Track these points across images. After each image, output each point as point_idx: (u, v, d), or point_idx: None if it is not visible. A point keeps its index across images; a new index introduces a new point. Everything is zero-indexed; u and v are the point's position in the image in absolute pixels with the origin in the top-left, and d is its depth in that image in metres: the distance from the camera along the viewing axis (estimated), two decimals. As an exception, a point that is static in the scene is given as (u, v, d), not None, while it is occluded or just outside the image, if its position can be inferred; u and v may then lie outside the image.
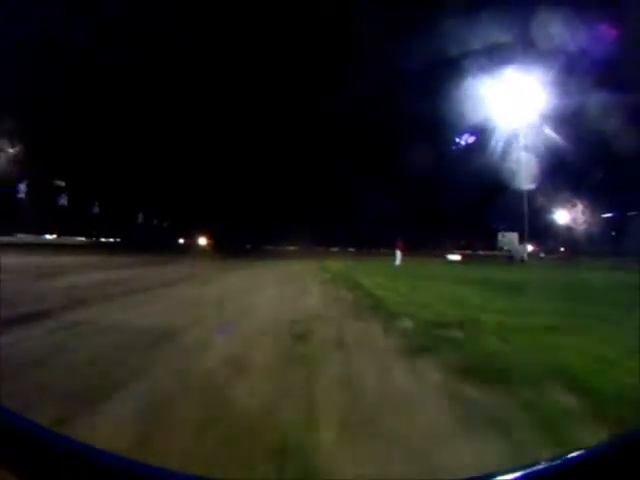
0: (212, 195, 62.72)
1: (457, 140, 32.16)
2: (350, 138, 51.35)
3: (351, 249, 58.19)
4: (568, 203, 53.52)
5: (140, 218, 67.04)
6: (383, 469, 1.53)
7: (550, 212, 54.76)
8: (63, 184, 53.44)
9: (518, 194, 34.64)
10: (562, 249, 59.77)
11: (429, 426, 1.87)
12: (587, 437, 1.68)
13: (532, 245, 71.79)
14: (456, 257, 41.51)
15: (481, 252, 58.80)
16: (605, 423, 1.78)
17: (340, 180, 54.10)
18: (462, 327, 3.82)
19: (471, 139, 30.42)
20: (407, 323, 4.15)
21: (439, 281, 10.00)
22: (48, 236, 49.10)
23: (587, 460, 0.45)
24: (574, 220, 54.94)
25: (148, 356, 2.88)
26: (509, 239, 33.11)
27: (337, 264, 17.47)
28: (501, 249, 33.76)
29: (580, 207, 54.35)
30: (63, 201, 53.47)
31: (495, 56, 25.11)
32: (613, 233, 56.86)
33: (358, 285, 8.36)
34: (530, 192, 37.30)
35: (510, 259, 29.86)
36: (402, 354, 3.06)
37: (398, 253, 19.70)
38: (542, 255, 61.03)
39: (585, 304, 5.54)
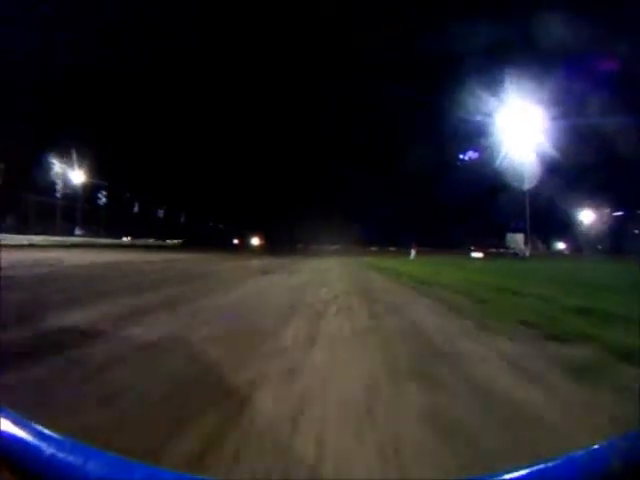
0: (262, 200, 72.29)
1: (461, 157, 39.58)
2: (386, 159, 60.19)
3: (392, 248, 66.73)
4: (591, 204, 58.36)
5: (197, 220, 76.45)
6: (359, 270, 11.32)
7: (576, 212, 60.01)
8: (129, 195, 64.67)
9: (544, 198, 41.63)
10: (599, 247, 63.25)
11: (369, 273, 11.64)
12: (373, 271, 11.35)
13: (564, 243, 76.26)
14: (479, 254, 49.53)
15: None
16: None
17: (381, 192, 63.12)
18: (399, 272, 13.45)
19: (474, 155, 37.89)
20: (380, 268, 13.86)
21: (423, 264, 19.38)
22: (125, 238, 54.63)
23: (588, 460, 0.47)
24: (598, 219, 59.71)
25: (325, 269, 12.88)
26: (515, 239, 40.91)
27: (370, 258, 27.05)
28: (508, 247, 41.59)
29: (602, 207, 58.83)
30: (134, 208, 65.20)
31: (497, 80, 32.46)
32: (636, 231, 60.80)
33: (375, 265, 18.04)
34: (558, 195, 44.17)
35: (515, 255, 37.79)
36: (372, 271, 12.82)
37: (412, 250, 29.14)
38: (566, 252, 66.23)
39: (482, 275, 14.88)
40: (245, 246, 69.65)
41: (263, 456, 1.41)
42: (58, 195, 34.55)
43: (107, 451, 0.50)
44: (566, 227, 63.90)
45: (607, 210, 58.58)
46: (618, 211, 60.61)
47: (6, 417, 0.52)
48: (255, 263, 16.67)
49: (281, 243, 65.62)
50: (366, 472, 1.35)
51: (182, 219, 67.41)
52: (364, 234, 70.34)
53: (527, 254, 37.15)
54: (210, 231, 75.97)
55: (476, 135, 36.61)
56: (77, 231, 33.91)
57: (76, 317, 3.67)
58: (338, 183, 71.26)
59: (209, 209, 74.65)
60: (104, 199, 45.33)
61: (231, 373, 2.27)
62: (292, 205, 77.17)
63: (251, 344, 2.96)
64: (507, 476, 0.48)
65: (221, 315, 4.24)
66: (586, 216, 59.61)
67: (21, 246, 22.08)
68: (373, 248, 65.90)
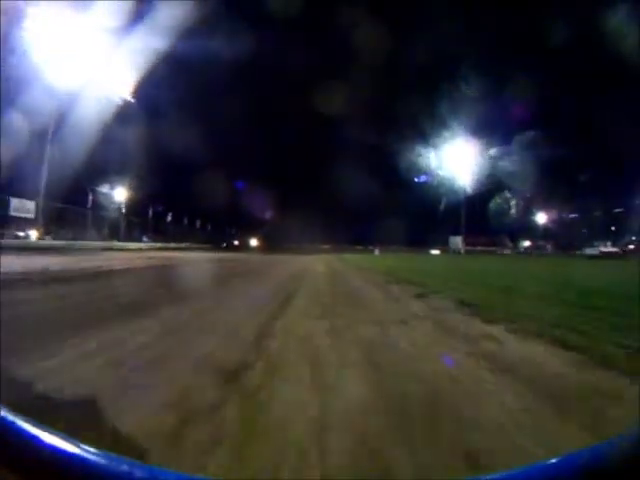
0: (260, 205, 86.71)
1: (415, 179, 56.16)
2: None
3: (371, 247, 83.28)
4: (548, 209, 74.70)
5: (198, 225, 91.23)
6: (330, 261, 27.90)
7: (534, 215, 76.71)
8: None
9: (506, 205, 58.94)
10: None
11: (332, 260, 28.30)
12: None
13: (529, 242, 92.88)
14: (437, 251, 66.72)
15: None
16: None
17: (365, 201, 79.48)
18: (354, 261, 30.04)
19: (425, 178, 54.81)
20: (345, 260, 30.45)
21: (376, 257, 35.89)
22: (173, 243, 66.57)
23: (588, 459, 0.47)
24: (551, 221, 76.61)
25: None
26: (455, 241, 58.28)
27: (346, 254, 43.74)
28: (449, 246, 59.07)
29: (557, 212, 75.35)
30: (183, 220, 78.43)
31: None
32: (584, 231, 78.03)
33: (344, 258, 34.53)
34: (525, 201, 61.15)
35: (454, 252, 54.94)
36: (337, 261, 29.44)
37: (376, 249, 46.07)
38: (521, 250, 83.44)
39: (410, 262, 31.56)
40: (246, 247, 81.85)
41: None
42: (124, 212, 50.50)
43: (107, 451, 0.52)
44: (529, 228, 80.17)
45: (562, 214, 75.55)
46: (572, 214, 78.21)
47: (6, 417, 0.54)
48: (284, 257, 33.06)
49: (276, 243, 76.27)
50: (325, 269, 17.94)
51: (209, 227, 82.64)
52: (351, 235, 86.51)
53: (462, 251, 54.25)
54: (220, 235, 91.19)
55: (426, 164, 53.18)
56: (145, 238, 49.67)
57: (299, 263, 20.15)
58: (328, 191, 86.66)
59: (220, 216, 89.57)
60: (170, 217, 61.09)
61: (303, 263, 18.77)
62: (286, 209, 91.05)
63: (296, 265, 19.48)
64: (507, 476, 0.50)
65: (306, 259, 20.75)
66: (542, 219, 73.44)
67: (134, 249, 38.18)
68: (358, 247, 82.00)
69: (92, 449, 0.52)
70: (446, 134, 49.46)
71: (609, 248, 41.80)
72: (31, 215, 33.30)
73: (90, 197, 39.41)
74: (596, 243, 44.79)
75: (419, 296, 6.36)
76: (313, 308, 5.15)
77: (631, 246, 53.97)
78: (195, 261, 20.80)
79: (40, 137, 34.51)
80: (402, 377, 2.41)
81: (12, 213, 32.07)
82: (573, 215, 77.17)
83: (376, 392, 2.17)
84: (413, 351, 3.05)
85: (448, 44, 48.59)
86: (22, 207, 32.76)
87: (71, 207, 37.29)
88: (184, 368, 2.51)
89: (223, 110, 61.27)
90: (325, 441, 1.62)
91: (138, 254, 28.07)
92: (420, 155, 50.59)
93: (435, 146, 50.14)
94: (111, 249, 32.83)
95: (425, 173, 53.17)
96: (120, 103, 37.50)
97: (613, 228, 69.68)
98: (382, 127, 60.60)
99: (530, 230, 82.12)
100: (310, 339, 3.37)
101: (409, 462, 1.49)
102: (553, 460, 0.49)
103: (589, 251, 40.69)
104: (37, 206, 33.45)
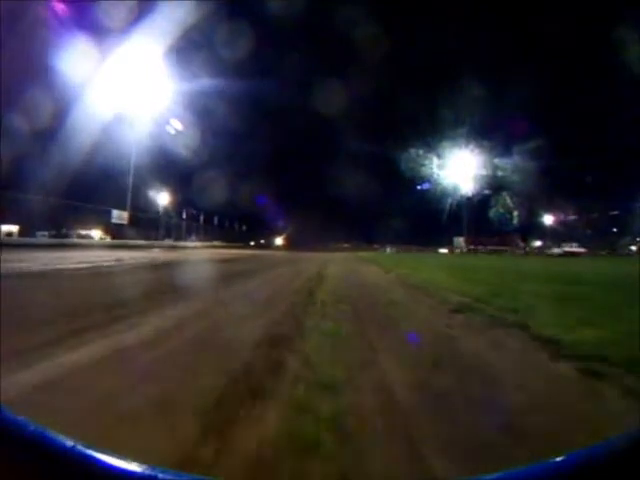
0: (285, 207, 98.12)
1: (418, 187, 66.28)
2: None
3: (388, 245, 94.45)
4: (552, 210, 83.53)
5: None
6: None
7: (540, 216, 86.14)
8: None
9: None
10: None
11: (351, 257, 40.47)
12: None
13: (540, 242, 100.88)
14: (445, 250, 77.74)
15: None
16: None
17: (381, 206, 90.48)
18: (368, 258, 42.14)
19: (427, 186, 65.13)
20: (360, 256, 42.55)
21: (387, 255, 47.77)
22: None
23: (588, 459, 0.49)
24: (557, 222, 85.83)
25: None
26: (459, 241, 69.26)
27: (363, 252, 55.84)
28: (453, 246, 70.17)
29: (558, 212, 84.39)
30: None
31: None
32: (586, 232, 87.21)
33: (359, 255, 46.54)
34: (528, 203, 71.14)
35: (457, 250, 66.19)
36: (352, 257, 41.65)
37: (388, 247, 57.91)
38: (527, 249, 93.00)
39: (406, 260, 43.49)
40: (271, 245, 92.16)
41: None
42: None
43: (108, 452, 0.54)
44: (539, 229, 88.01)
45: (564, 216, 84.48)
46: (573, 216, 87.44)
47: (6, 417, 0.57)
48: (310, 253, 45.31)
49: (299, 242, 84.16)
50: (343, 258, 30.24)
51: (244, 228, 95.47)
52: (367, 236, 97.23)
53: (464, 250, 65.38)
54: (251, 235, 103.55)
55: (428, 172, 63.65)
56: (192, 237, 62.45)
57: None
58: (345, 196, 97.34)
59: (250, 220, 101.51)
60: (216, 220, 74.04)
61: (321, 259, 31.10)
62: (307, 212, 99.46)
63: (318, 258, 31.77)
64: (507, 476, 0.53)
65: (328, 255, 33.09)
66: (548, 220, 79.18)
67: (196, 247, 50.84)
68: (375, 246, 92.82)
69: (92, 448, 0.55)
70: (447, 141, 59.69)
71: (574, 248, 51.75)
72: (125, 222, 46.40)
73: (159, 205, 52.65)
74: (563, 244, 54.74)
75: (371, 263, 18.76)
76: (337, 265, 17.69)
77: (633, 247, 62.91)
78: (259, 255, 33.40)
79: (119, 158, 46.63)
80: (353, 269, 15.11)
81: (113, 221, 45.17)
82: (572, 217, 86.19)
83: (348, 268, 14.85)
84: (357, 267, 15.62)
85: (449, 46, 55.63)
86: (120, 216, 45.72)
87: (141, 214, 50.31)
88: (312, 267, 15.16)
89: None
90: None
91: (209, 250, 40.88)
92: (423, 165, 61.39)
93: (437, 154, 60.76)
94: (175, 247, 44.85)
95: (427, 181, 63.79)
96: (174, 129, 47.89)
97: (615, 230, 78.40)
98: (388, 137, 71.72)
99: (540, 231, 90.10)
100: (337, 265, 15.95)
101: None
102: (553, 460, 0.52)
103: (556, 250, 50.87)
104: (129, 215, 46.55)
